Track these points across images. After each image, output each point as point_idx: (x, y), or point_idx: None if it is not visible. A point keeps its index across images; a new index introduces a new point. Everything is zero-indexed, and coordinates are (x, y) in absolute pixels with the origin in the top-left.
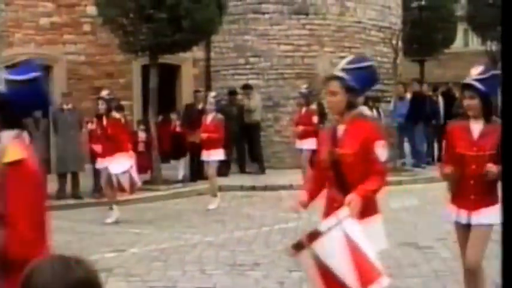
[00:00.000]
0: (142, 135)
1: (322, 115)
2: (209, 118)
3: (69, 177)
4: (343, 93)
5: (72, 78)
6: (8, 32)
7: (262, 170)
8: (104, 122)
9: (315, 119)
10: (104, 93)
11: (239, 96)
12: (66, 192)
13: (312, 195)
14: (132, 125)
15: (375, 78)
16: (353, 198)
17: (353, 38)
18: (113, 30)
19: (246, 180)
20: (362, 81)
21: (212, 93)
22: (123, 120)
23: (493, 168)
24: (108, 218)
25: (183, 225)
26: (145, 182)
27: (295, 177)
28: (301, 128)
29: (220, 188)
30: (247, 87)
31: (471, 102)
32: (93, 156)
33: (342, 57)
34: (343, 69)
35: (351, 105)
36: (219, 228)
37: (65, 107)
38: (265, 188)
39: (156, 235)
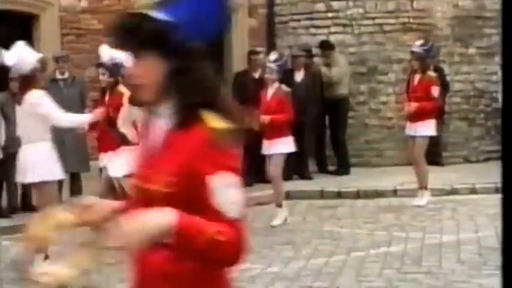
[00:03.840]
0: None
1: (444, 86)
2: (270, 92)
3: (66, 180)
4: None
5: (68, 34)
6: None
7: (343, 168)
8: (107, 99)
9: (436, 90)
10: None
11: (316, 59)
12: (64, 202)
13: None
14: None
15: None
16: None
17: None
18: None
19: (328, 183)
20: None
21: (273, 55)
22: None
23: None
24: None
25: None
26: None
27: (403, 178)
28: (414, 104)
29: (290, 195)
30: (326, 47)
31: None
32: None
33: None
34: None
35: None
36: (288, 253)
37: (58, 76)
38: (356, 195)
39: None
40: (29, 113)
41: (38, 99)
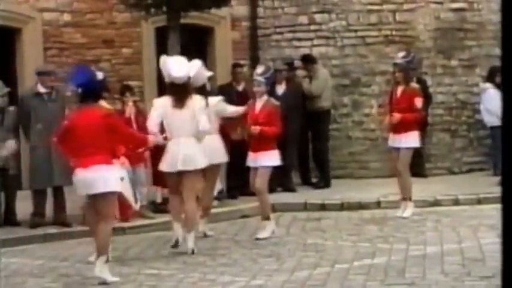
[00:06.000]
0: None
1: (427, 97)
2: (259, 104)
3: (50, 194)
4: None
5: (51, 47)
6: None
7: (324, 181)
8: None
9: (419, 102)
10: None
11: (299, 72)
12: (46, 216)
13: None
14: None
15: None
16: None
17: None
18: None
19: (312, 195)
20: None
21: (260, 68)
22: (113, 107)
23: None
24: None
25: (220, 263)
26: (161, 202)
27: (386, 190)
28: (397, 115)
29: (274, 208)
30: (307, 60)
31: None
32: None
33: (454, 11)
34: None
35: None
36: (272, 266)
37: (41, 90)
38: (340, 207)
39: (180, 277)
40: (195, 113)
41: (203, 102)
